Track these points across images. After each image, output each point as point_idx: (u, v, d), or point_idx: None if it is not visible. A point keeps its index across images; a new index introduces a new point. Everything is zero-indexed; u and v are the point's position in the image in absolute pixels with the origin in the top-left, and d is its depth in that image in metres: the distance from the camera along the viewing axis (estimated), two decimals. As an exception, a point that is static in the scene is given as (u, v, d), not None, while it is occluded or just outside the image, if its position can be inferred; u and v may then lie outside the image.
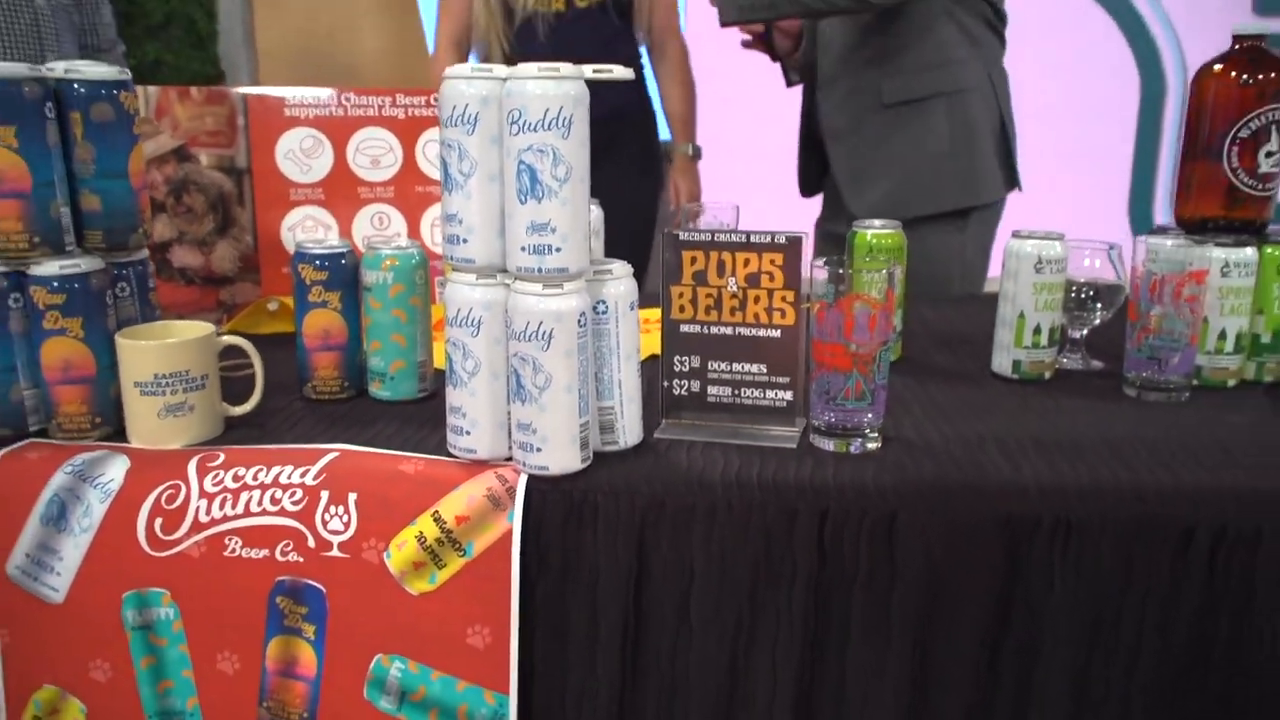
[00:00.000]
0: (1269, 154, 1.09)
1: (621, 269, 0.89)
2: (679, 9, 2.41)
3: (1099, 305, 1.14)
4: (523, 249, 0.81)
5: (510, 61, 2.20)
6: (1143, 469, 0.86)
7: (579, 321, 0.83)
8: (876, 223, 1.18)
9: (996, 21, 1.74)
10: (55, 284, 0.90)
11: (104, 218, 0.94)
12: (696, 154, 2.36)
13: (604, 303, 0.87)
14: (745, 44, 1.87)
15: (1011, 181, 1.75)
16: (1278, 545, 0.82)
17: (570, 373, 0.83)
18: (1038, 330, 1.11)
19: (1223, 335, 1.09)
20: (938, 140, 1.67)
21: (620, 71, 0.85)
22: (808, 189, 1.94)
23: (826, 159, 1.81)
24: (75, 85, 0.91)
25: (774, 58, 1.88)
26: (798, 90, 1.93)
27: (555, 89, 0.79)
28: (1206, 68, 1.14)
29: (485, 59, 2.25)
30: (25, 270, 0.91)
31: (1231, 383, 1.11)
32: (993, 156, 1.71)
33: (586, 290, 0.84)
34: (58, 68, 0.91)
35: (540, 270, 0.81)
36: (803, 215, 1.90)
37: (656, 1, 2.28)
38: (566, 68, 0.80)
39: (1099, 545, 0.83)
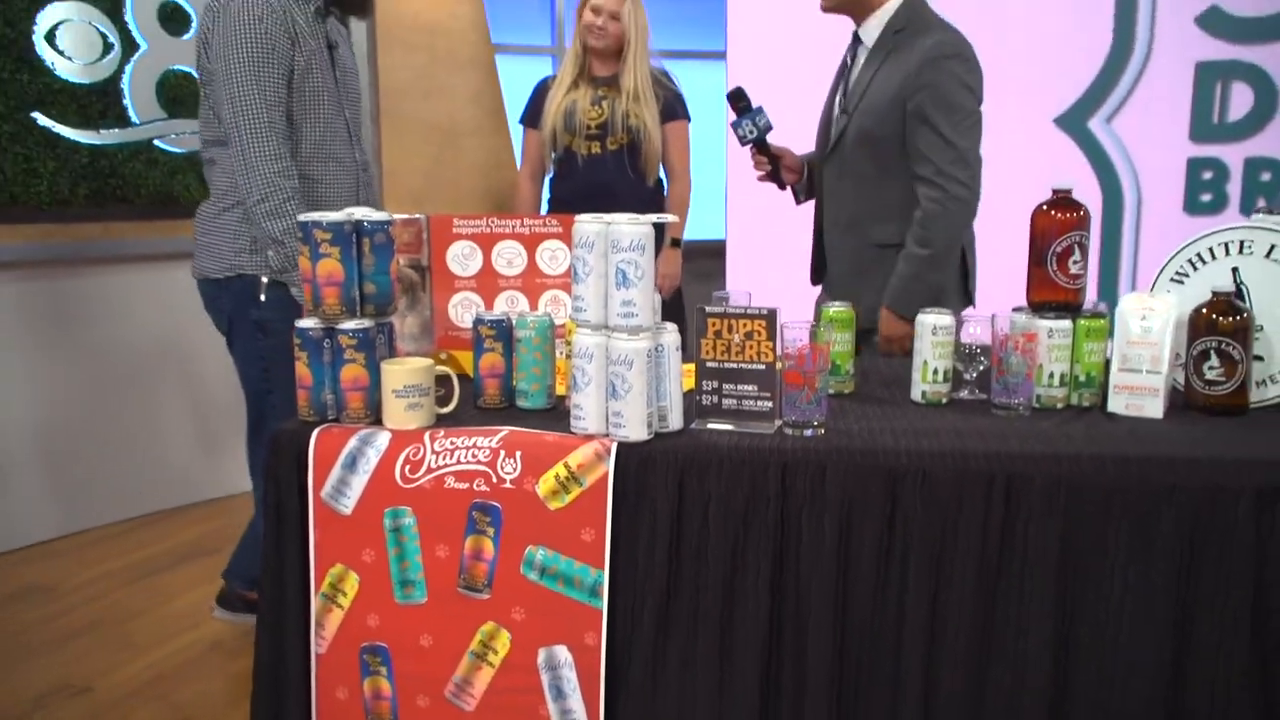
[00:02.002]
0: (1075, 262, 1.74)
1: (671, 328, 1.56)
2: (689, 151, 3.23)
3: (981, 355, 1.78)
4: (618, 315, 1.49)
5: (557, 179, 3.12)
6: (978, 443, 1.50)
7: (647, 355, 1.50)
8: (836, 303, 1.84)
9: None
10: (351, 334, 1.60)
11: (376, 297, 1.64)
12: (677, 245, 3.22)
13: (662, 346, 1.54)
14: (760, 178, 2.54)
15: (967, 300, 2.36)
16: (1069, 492, 1.44)
17: (642, 383, 1.50)
18: (936, 372, 1.75)
19: (1051, 375, 1.72)
20: None
21: (669, 219, 1.54)
22: (816, 279, 2.58)
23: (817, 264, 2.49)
24: (366, 223, 1.62)
25: (781, 186, 2.54)
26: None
27: (636, 229, 1.47)
28: (1038, 208, 1.78)
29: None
30: (335, 326, 1.60)
31: (1059, 405, 1.73)
32: (955, 282, 2.33)
33: (651, 337, 1.51)
34: (357, 213, 1.63)
35: (626, 326, 1.49)
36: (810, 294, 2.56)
37: (672, 149, 3.12)
38: (641, 217, 1.49)
39: (937, 485, 1.45)
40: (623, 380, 1.50)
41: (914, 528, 1.47)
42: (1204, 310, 1.69)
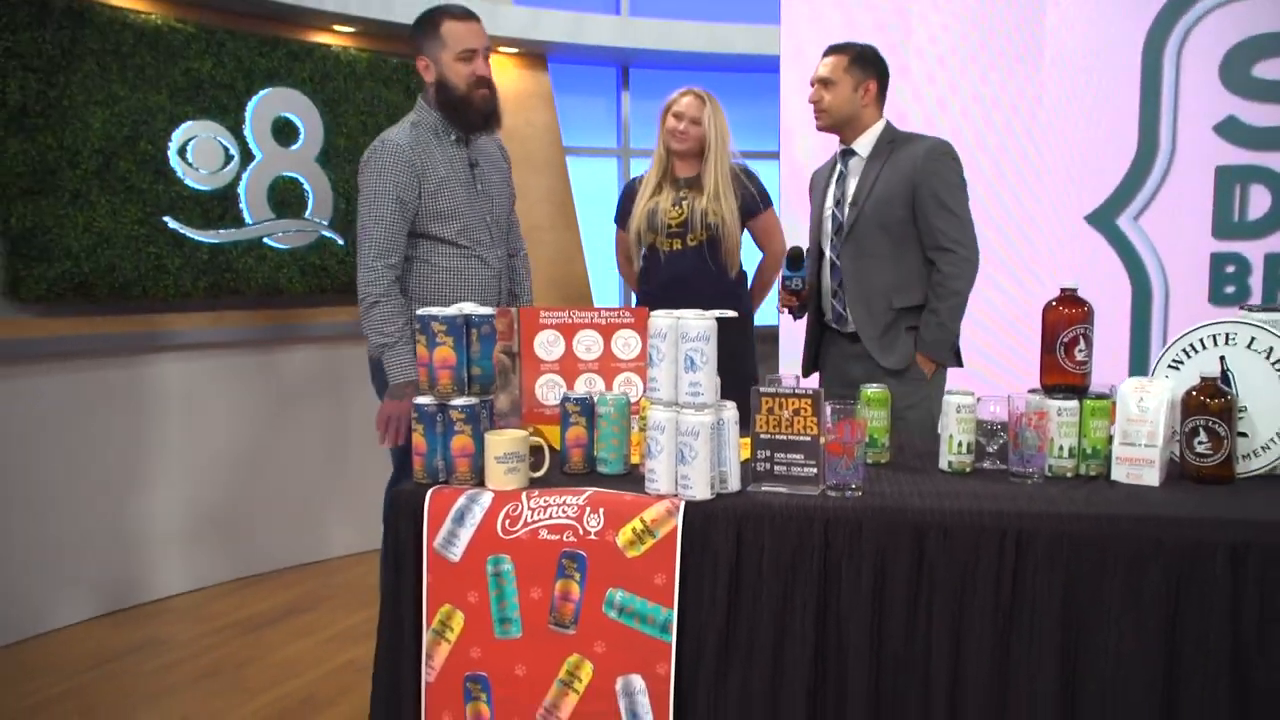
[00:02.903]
0: (1080, 350, 2.01)
1: (730, 405, 1.85)
2: (781, 233, 3.51)
3: (1001, 431, 2.04)
4: (686, 393, 1.79)
5: (645, 274, 3.38)
6: (992, 504, 1.76)
7: (711, 427, 1.79)
8: (874, 386, 2.13)
9: None
10: (461, 409, 1.91)
11: (481, 378, 1.96)
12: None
13: (723, 420, 1.83)
14: (782, 309, 2.98)
15: (956, 359, 2.80)
16: (1070, 546, 1.69)
17: (706, 451, 1.79)
18: (960, 444, 2.02)
19: (1061, 448, 1.98)
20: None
21: (729, 314, 1.85)
22: (808, 371, 2.99)
23: (819, 354, 2.92)
24: (474, 316, 1.95)
25: (795, 317, 2.98)
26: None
27: (701, 323, 1.78)
28: (1049, 304, 2.06)
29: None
30: (448, 402, 1.92)
31: (1069, 474, 1.98)
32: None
33: (714, 412, 1.81)
34: (466, 307, 1.96)
35: (694, 403, 1.79)
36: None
37: (765, 237, 3.44)
38: (705, 313, 1.80)
39: (957, 539, 1.71)
40: (690, 448, 1.79)
41: (938, 576, 1.73)
42: (1194, 393, 1.94)
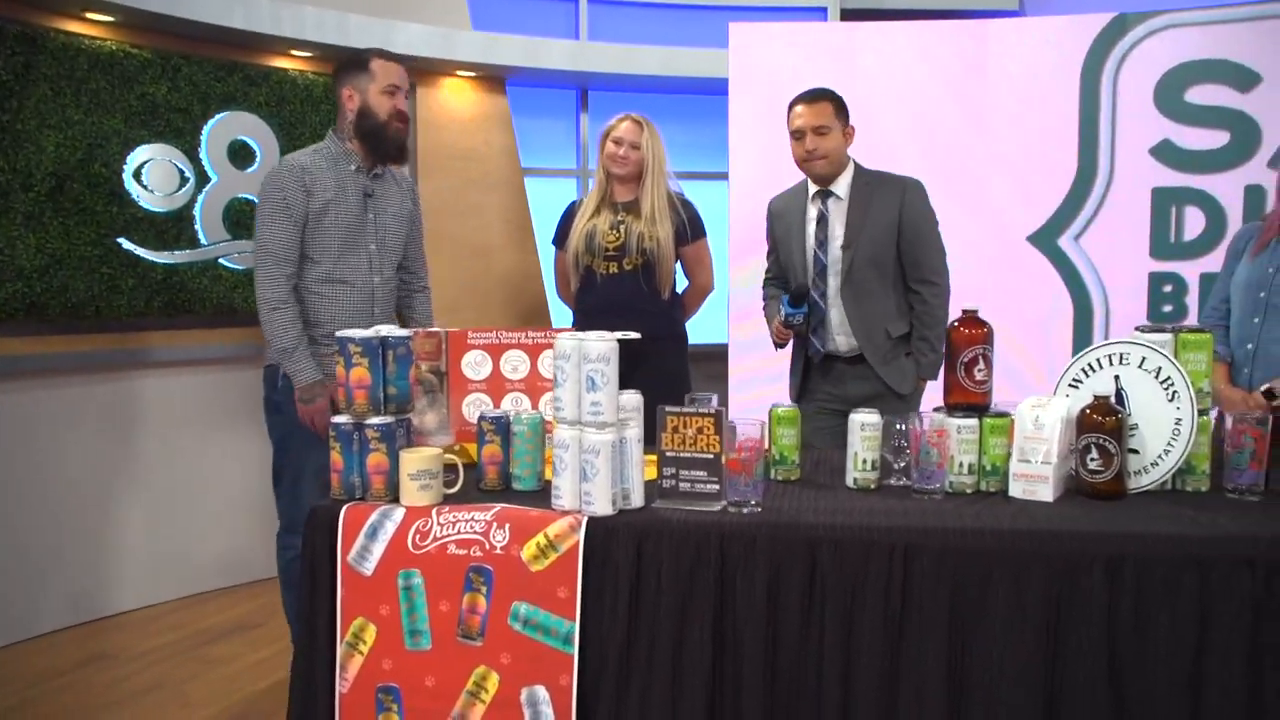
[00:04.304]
0: (980, 370, 2.08)
1: (633, 424, 1.92)
2: (711, 264, 3.59)
3: (908, 449, 2.11)
4: (588, 413, 1.85)
5: (580, 294, 3.44)
6: (884, 519, 1.82)
7: (612, 445, 1.85)
8: (784, 404, 2.19)
9: None
10: (376, 428, 1.97)
11: (397, 398, 2.02)
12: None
13: (625, 439, 1.89)
14: (776, 339, 3.07)
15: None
16: (956, 559, 1.76)
17: (607, 468, 1.85)
18: (865, 462, 2.08)
19: (961, 465, 2.05)
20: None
21: (633, 335, 1.91)
22: (798, 397, 3.05)
23: (807, 382, 3.01)
24: (390, 338, 2.01)
25: (780, 347, 3.09)
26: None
27: (602, 344, 1.85)
28: (952, 324, 2.13)
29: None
30: (363, 421, 1.98)
31: (969, 490, 2.05)
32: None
33: (616, 431, 1.87)
34: (383, 329, 2.02)
35: (595, 422, 1.85)
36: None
37: (695, 267, 3.52)
38: (608, 335, 1.86)
39: (847, 552, 1.78)
40: (592, 465, 1.85)
41: (829, 589, 1.79)
42: (1087, 411, 2.01)
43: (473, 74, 4.70)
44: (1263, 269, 2.72)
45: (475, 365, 2.43)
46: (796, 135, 2.90)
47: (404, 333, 2.06)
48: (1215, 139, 3.89)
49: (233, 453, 4.04)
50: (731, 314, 4.23)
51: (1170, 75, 3.93)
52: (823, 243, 2.92)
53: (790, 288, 2.96)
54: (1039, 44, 4.05)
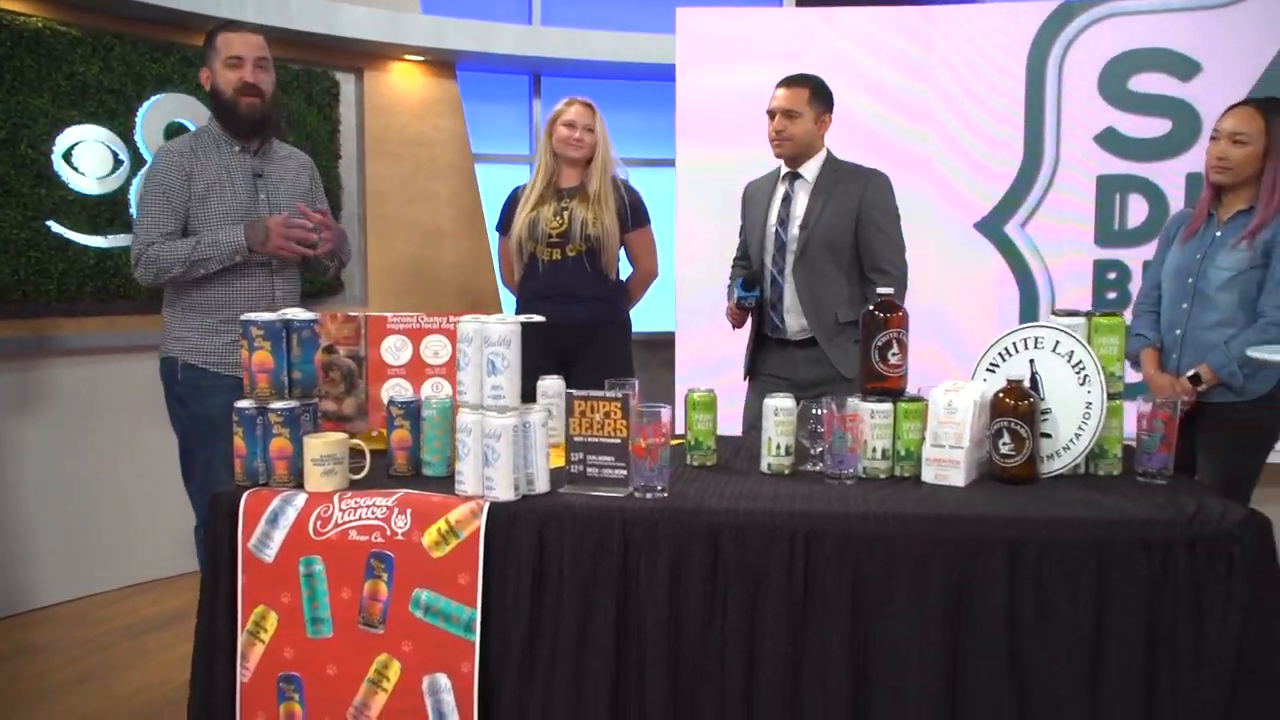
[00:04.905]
0: (894, 354, 2.07)
1: (539, 408, 1.89)
2: (655, 251, 3.57)
3: (823, 433, 2.09)
4: (489, 397, 1.83)
5: (523, 280, 3.41)
6: (789, 504, 1.80)
7: (514, 430, 1.82)
8: (701, 389, 2.17)
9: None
10: (280, 412, 1.94)
11: (302, 383, 1.99)
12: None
13: (528, 423, 1.86)
14: (732, 317, 3.07)
15: None
16: (859, 544, 1.74)
17: (509, 453, 1.82)
18: (779, 447, 2.07)
19: (875, 450, 2.03)
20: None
21: (536, 319, 1.88)
22: (750, 375, 3.10)
23: (758, 362, 3.03)
24: (295, 321, 1.98)
25: (737, 327, 3.10)
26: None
27: (503, 327, 1.82)
28: (867, 311, 2.12)
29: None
30: (267, 406, 1.95)
31: (883, 475, 2.04)
32: None
33: (518, 415, 1.84)
34: (289, 313, 1.98)
35: (496, 406, 1.82)
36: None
37: (640, 254, 3.49)
38: (509, 317, 1.83)
39: (750, 538, 1.76)
40: (493, 450, 1.82)
41: (731, 574, 1.77)
42: (1000, 395, 2.01)
43: (422, 58, 4.65)
44: (1191, 256, 2.73)
45: (395, 350, 2.39)
46: (769, 115, 2.95)
47: (309, 316, 2.02)
48: (1158, 127, 3.90)
49: (170, 440, 3.98)
50: (679, 301, 4.20)
51: (1114, 63, 3.92)
52: (784, 221, 2.97)
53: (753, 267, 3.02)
54: (986, 31, 4.04)
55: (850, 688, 1.75)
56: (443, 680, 1.82)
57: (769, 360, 3.06)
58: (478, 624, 1.81)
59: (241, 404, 1.97)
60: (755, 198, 3.10)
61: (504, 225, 3.61)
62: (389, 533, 1.85)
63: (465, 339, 1.87)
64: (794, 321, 2.96)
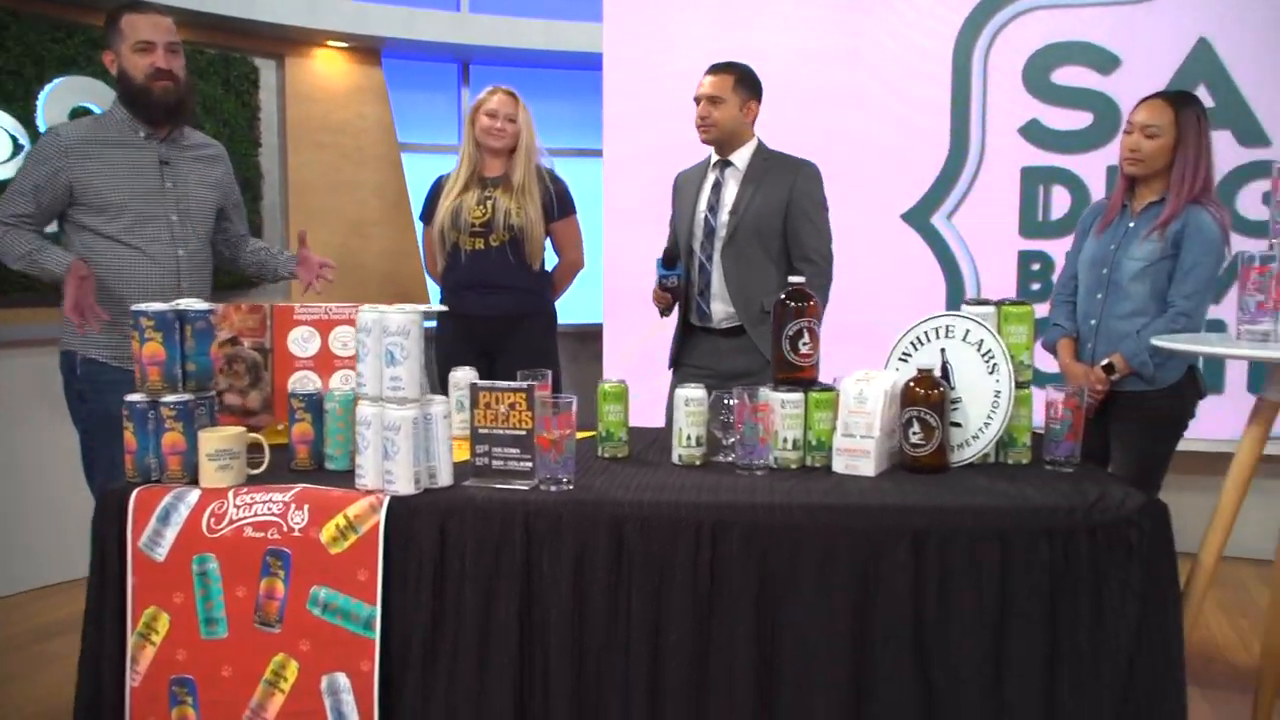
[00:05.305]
0: (804, 344, 2.05)
1: (440, 400, 1.84)
2: (581, 241, 3.52)
3: (734, 424, 2.07)
4: (388, 388, 1.78)
5: (447, 270, 3.35)
6: (694, 495, 1.78)
7: (414, 422, 1.78)
8: (612, 379, 2.14)
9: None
10: (172, 406, 1.87)
11: (196, 375, 1.92)
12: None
13: (430, 415, 1.82)
14: (658, 302, 3.03)
15: None
16: (766, 535, 1.72)
17: (409, 446, 1.77)
18: (689, 438, 2.04)
19: (786, 440, 2.02)
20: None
21: (438, 308, 1.84)
22: (675, 364, 3.08)
23: (683, 352, 3.02)
24: (189, 312, 1.91)
25: (665, 314, 3.06)
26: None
27: (402, 317, 1.77)
28: (778, 300, 2.10)
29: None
30: (159, 399, 1.88)
31: (794, 466, 2.02)
32: None
33: (419, 407, 1.80)
34: (183, 303, 1.91)
35: (395, 398, 1.77)
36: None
37: (565, 244, 3.45)
38: (409, 307, 1.78)
39: (654, 530, 1.73)
40: (393, 443, 1.78)
41: (636, 567, 1.74)
42: (910, 385, 2.00)
43: (345, 44, 4.55)
44: (1106, 247, 2.75)
45: (302, 341, 2.32)
46: (696, 100, 2.95)
47: (204, 306, 1.95)
48: (1080, 119, 3.95)
49: (71, 437, 3.84)
50: (607, 293, 4.17)
51: (1038, 56, 3.96)
52: (714, 207, 2.98)
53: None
54: (913, 22, 4.06)
55: (756, 679, 1.73)
56: (342, 679, 1.77)
57: (694, 350, 3.04)
58: (377, 621, 1.76)
59: (132, 397, 1.90)
60: (685, 187, 3.09)
61: (427, 214, 3.55)
62: (286, 529, 1.79)
63: (364, 329, 1.81)
64: (720, 309, 2.95)
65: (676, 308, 3.06)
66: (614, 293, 4.14)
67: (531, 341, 3.37)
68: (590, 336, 4.33)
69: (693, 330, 3.04)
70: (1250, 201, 3.82)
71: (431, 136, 5.07)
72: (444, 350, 3.51)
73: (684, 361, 3.06)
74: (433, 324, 3.71)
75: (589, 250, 3.58)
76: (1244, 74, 3.80)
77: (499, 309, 3.31)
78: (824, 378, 2.13)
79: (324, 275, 2.81)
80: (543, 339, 3.46)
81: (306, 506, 1.80)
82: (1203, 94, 3.69)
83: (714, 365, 2.96)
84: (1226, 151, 3.66)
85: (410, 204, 4.77)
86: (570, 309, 3.71)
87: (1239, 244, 3.04)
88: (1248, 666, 3.02)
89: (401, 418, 1.77)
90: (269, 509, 1.81)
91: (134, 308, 1.90)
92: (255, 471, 1.93)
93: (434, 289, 4.66)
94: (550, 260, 3.50)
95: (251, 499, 1.82)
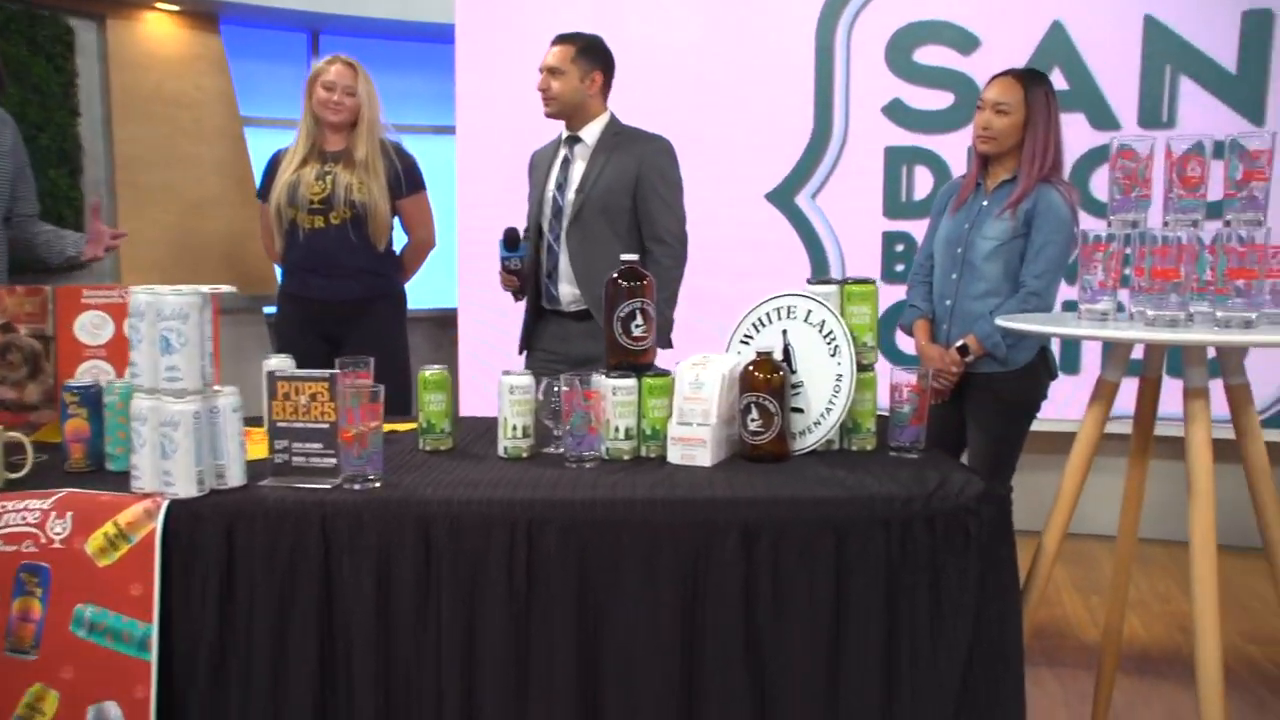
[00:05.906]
0: (638, 325, 1.92)
1: (230, 391, 1.65)
2: (432, 218, 3.34)
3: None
4: (164, 379, 1.57)
5: (286, 250, 3.14)
6: (510, 491, 1.63)
7: (195, 416, 1.58)
8: (434, 367, 1.97)
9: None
10: (-90, 401, 1.63)
11: (-57, 365, 1.68)
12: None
13: (216, 408, 1.62)
14: (505, 287, 2.90)
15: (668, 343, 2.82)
16: (585, 531, 1.59)
17: (190, 443, 1.58)
18: (515, 428, 1.89)
19: (618, 430, 1.89)
20: None
21: (226, 289, 1.64)
22: (525, 349, 2.97)
23: (533, 337, 2.90)
24: (-69, 293, 1.66)
25: (517, 297, 2.93)
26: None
27: (178, 299, 1.57)
28: (610, 279, 1.96)
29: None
30: (-107, 394, 1.63)
31: (627, 456, 1.89)
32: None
33: (202, 400, 1.60)
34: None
35: (172, 390, 1.57)
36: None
37: (415, 220, 3.26)
38: (186, 288, 1.58)
39: (465, 529, 1.58)
40: (170, 441, 1.58)
41: (446, 569, 1.59)
42: (749, 369, 1.89)
43: (177, 7, 4.23)
44: (960, 226, 2.71)
45: (93, 328, 2.09)
46: (539, 71, 2.83)
47: (-47, 287, 1.71)
48: (941, 99, 3.93)
49: None
50: (461, 275, 3.98)
51: (899, 35, 3.93)
52: (562, 186, 2.85)
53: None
54: (775, -1, 3.98)
55: (578, 687, 1.60)
56: (112, 709, 1.57)
57: (544, 334, 2.91)
58: (154, 641, 1.56)
59: None
60: (539, 164, 2.96)
61: (264, 191, 3.31)
62: (44, 540, 1.57)
63: (136, 313, 1.61)
64: (568, 291, 2.82)
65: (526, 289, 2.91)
66: (469, 275, 3.96)
67: (378, 327, 3.18)
68: (444, 322, 4.14)
69: (543, 314, 2.90)
70: (1102, 184, 3.85)
71: (279, 110, 4.77)
72: (282, 336, 3.28)
73: (534, 346, 2.93)
74: (273, 309, 3.48)
75: (442, 231, 3.40)
76: (1095, 58, 3.83)
77: (342, 293, 3.12)
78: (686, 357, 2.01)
79: (113, 246, 2.57)
80: (390, 323, 3.27)
81: (70, 514, 1.58)
82: (1057, 77, 3.71)
83: (564, 350, 2.83)
84: (1079, 135, 3.69)
85: (254, 182, 4.48)
86: (432, 293, 3.52)
87: (1092, 227, 3.04)
88: (1098, 644, 3.03)
89: (180, 412, 1.57)
90: (24, 518, 1.59)
91: None
92: (16, 475, 1.71)
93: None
94: (400, 240, 3.31)
95: (3, 507, 1.59)
